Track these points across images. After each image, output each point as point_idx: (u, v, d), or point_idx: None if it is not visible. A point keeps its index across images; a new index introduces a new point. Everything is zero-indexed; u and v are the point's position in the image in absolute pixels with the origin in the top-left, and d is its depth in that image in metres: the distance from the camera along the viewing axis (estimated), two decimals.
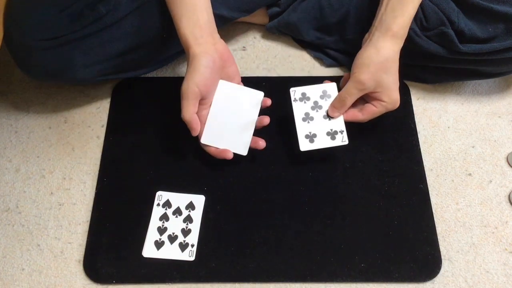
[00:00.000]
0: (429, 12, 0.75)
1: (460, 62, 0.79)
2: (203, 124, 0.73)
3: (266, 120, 0.73)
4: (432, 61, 0.81)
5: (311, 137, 0.71)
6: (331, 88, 0.73)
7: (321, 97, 0.72)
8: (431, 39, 0.76)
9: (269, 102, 0.74)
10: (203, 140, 0.72)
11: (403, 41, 0.70)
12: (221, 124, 0.72)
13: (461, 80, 0.87)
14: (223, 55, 0.70)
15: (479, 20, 0.74)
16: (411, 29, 0.76)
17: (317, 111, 0.72)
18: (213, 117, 0.72)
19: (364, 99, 0.73)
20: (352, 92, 0.70)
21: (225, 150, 0.72)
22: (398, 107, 0.72)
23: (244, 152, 0.72)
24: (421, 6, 0.76)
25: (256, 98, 0.73)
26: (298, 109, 0.72)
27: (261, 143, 0.73)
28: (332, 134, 0.71)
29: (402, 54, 0.78)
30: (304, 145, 0.71)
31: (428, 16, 0.75)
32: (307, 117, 0.72)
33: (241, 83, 0.75)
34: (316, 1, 0.85)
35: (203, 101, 0.71)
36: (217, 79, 0.72)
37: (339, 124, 0.72)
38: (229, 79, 0.73)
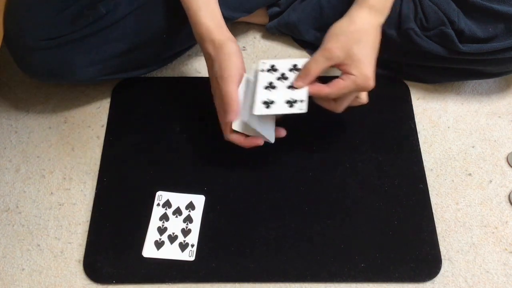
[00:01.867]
0: (429, 12, 0.75)
1: (460, 62, 0.79)
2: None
3: (283, 132, 0.71)
4: (432, 61, 0.81)
5: (268, 103, 0.65)
6: (302, 62, 0.68)
7: (290, 70, 0.68)
8: (431, 39, 0.76)
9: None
10: (234, 127, 0.68)
11: (384, 17, 0.67)
12: (248, 113, 0.68)
13: (461, 80, 0.87)
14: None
15: (479, 20, 0.74)
16: (411, 29, 0.77)
17: (282, 81, 0.67)
18: (242, 106, 0.68)
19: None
20: (319, 60, 0.64)
21: (255, 138, 0.68)
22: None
23: (272, 139, 0.70)
24: (421, 6, 0.76)
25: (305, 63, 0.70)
26: (263, 78, 0.67)
27: (282, 132, 0.71)
28: (292, 103, 0.65)
29: (402, 54, 0.78)
30: (259, 110, 0.65)
31: (428, 16, 0.75)
32: (269, 86, 0.67)
33: None
34: (316, 1, 0.85)
35: None
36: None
37: (301, 94, 0.66)
38: None
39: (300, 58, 0.69)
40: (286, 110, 0.65)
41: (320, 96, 0.67)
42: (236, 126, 0.68)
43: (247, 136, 0.69)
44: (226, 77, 0.65)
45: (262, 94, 0.66)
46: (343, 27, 0.65)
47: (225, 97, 0.65)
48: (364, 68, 0.64)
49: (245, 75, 0.69)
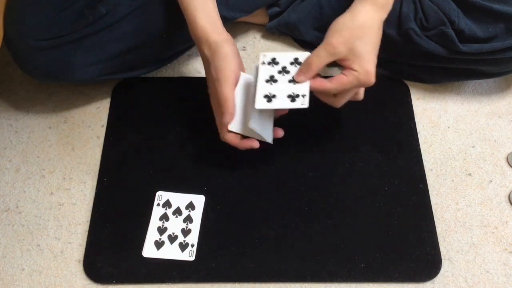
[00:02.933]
0: (429, 12, 0.75)
1: (460, 62, 0.79)
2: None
3: (281, 133, 0.71)
4: (432, 61, 0.81)
5: (270, 97, 0.65)
6: (303, 55, 0.67)
7: (291, 63, 0.67)
8: (431, 39, 0.76)
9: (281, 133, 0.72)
10: (231, 127, 0.68)
11: (386, 13, 0.66)
12: (245, 114, 0.69)
13: (461, 80, 0.87)
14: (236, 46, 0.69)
15: (479, 19, 0.74)
16: (411, 29, 0.77)
17: (283, 75, 0.66)
18: (239, 106, 0.69)
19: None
20: (321, 54, 0.64)
21: (251, 140, 0.68)
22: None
23: (271, 140, 0.71)
24: (421, 6, 0.76)
25: (306, 56, 0.68)
26: (264, 71, 0.67)
27: (280, 132, 0.71)
28: (293, 97, 0.65)
29: (402, 54, 0.78)
30: (261, 104, 0.65)
31: (428, 16, 0.75)
32: (271, 79, 0.66)
33: None
34: (316, 1, 0.85)
35: None
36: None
37: (303, 88, 0.65)
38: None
39: (302, 52, 0.69)
40: (288, 104, 0.64)
41: (321, 91, 0.67)
42: (232, 126, 0.68)
43: (243, 137, 0.69)
44: (221, 78, 0.65)
45: (263, 88, 0.66)
46: (346, 22, 0.64)
47: (221, 99, 0.65)
48: (366, 64, 0.63)
49: (243, 75, 0.69)
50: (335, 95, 0.69)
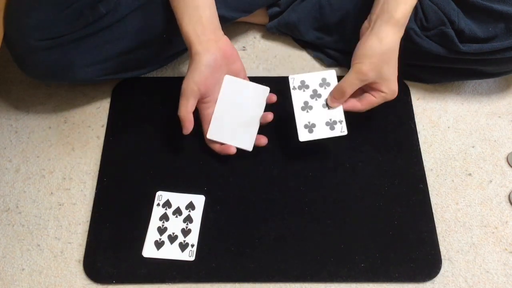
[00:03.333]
0: (429, 12, 0.75)
1: (460, 62, 0.79)
2: (207, 123, 0.73)
3: (270, 116, 0.72)
4: (432, 61, 0.81)
5: (310, 127, 0.70)
6: (330, 75, 0.71)
7: (320, 85, 0.71)
8: (431, 39, 0.76)
9: (274, 98, 0.74)
10: (209, 135, 0.72)
11: (403, 31, 0.69)
12: (227, 119, 0.72)
13: (461, 80, 0.87)
14: (226, 53, 0.70)
15: (479, 19, 0.74)
16: (411, 29, 0.76)
17: (316, 99, 0.71)
18: (219, 112, 0.72)
19: (362, 89, 0.71)
20: (353, 82, 0.69)
21: (228, 146, 0.72)
22: (396, 100, 0.71)
23: (250, 147, 0.73)
24: (421, 6, 0.76)
25: (262, 93, 0.73)
26: (297, 98, 0.70)
27: (263, 140, 0.73)
28: (331, 124, 0.70)
29: (402, 54, 0.77)
30: (304, 136, 0.69)
31: (428, 16, 0.75)
32: (306, 106, 0.70)
33: (247, 79, 0.75)
34: (316, 1, 0.85)
35: (205, 99, 0.71)
36: (219, 77, 0.72)
37: (338, 114, 0.70)
38: (234, 75, 0.73)
39: (327, 71, 0.72)
40: (328, 133, 0.70)
41: (353, 112, 0.72)
42: (209, 135, 0.72)
43: (222, 144, 0.73)
44: (183, 90, 0.68)
45: (302, 117, 0.70)
46: (374, 48, 0.67)
47: (179, 114, 0.69)
48: (392, 85, 0.70)
49: (227, 78, 0.71)
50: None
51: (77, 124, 0.83)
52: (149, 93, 0.85)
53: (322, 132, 0.70)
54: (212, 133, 0.72)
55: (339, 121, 0.70)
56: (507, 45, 0.73)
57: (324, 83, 0.71)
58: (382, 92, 0.70)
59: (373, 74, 0.68)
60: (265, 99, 0.73)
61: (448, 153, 0.80)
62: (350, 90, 0.69)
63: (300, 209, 0.73)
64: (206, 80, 0.68)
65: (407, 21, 0.69)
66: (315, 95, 0.71)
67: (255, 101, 0.73)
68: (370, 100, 0.71)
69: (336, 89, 0.70)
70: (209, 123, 0.73)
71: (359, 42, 0.70)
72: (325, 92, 0.71)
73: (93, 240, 0.71)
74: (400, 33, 0.69)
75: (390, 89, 0.69)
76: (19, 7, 0.72)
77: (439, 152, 0.80)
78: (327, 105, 0.71)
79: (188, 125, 0.69)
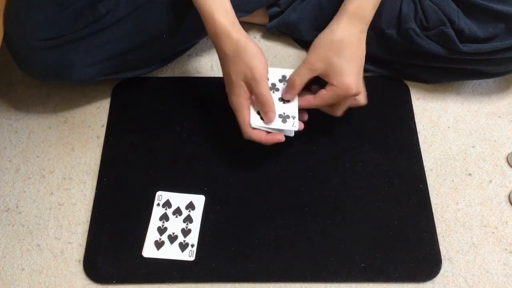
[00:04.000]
0: (429, 12, 0.75)
1: (460, 62, 0.79)
2: (248, 110, 0.69)
3: (306, 116, 0.72)
4: (432, 61, 0.81)
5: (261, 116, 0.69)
6: (290, 73, 0.71)
7: (280, 80, 0.71)
8: (431, 39, 0.76)
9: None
10: (253, 125, 0.69)
11: (366, 24, 0.68)
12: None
13: (461, 80, 0.87)
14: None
15: (479, 19, 0.74)
16: (411, 29, 0.77)
17: (273, 92, 0.70)
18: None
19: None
20: (302, 72, 0.68)
21: (276, 134, 0.69)
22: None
23: (296, 127, 0.70)
24: (421, 6, 0.76)
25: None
26: None
27: (301, 125, 0.71)
28: (284, 118, 0.69)
29: (402, 54, 0.78)
30: (255, 122, 0.68)
31: (428, 16, 0.75)
32: None
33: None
34: (316, 1, 0.85)
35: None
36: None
37: (292, 109, 0.70)
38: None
39: (289, 69, 0.72)
40: (280, 125, 0.68)
41: (307, 107, 0.71)
42: (254, 123, 0.68)
43: (268, 132, 0.70)
44: (258, 78, 0.65)
45: (255, 107, 0.68)
46: (325, 39, 0.68)
47: (262, 98, 0.66)
48: (345, 79, 0.66)
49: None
50: (331, 105, 0.72)
51: (77, 124, 0.83)
52: (149, 93, 0.85)
53: (273, 123, 0.68)
54: (255, 122, 0.69)
55: (292, 116, 0.69)
56: (507, 45, 0.73)
57: (283, 79, 0.71)
58: (333, 85, 0.67)
59: (321, 65, 0.67)
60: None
61: (448, 153, 0.80)
62: (299, 81, 0.68)
63: (300, 209, 0.73)
64: (266, 62, 0.68)
65: (368, 15, 0.68)
66: (273, 88, 0.71)
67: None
68: (322, 95, 0.68)
69: (288, 82, 0.70)
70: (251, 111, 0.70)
71: None
72: (282, 87, 0.71)
73: (93, 240, 0.71)
74: (358, 26, 0.67)
75: (341, 83, 0.66)
76: (19, 7, 0.72)
77: (439, 152, 0.80)
78: (283, 100, 0.70)
79: (273, 109, 0.67)
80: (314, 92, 0.70)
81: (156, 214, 0.73)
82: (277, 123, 0.68)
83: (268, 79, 0.69)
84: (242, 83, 0.67)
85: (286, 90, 0.70)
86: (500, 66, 0.79)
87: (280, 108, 0.69)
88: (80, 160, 0.79)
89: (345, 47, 0.67)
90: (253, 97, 0.68)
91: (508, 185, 0.77)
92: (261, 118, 0.68)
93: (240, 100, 0.67)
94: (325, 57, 0.67)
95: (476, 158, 0.80)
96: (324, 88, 0.69)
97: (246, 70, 0.66)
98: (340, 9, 0.69)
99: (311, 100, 0.70)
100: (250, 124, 0.68)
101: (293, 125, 0.69)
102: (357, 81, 0.67)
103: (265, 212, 0.73)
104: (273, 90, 0.70)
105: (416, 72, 0.86)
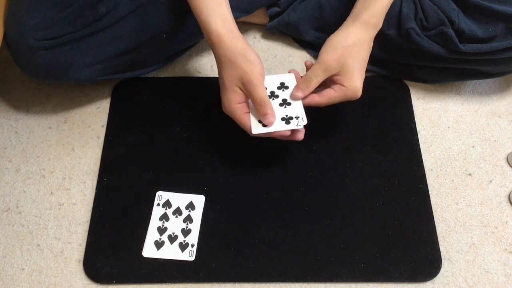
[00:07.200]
0: (429, 12, 0.75)
1: (460, 62, 0.79)
2: (242, 112, 0.69)
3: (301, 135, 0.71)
4: (432, 61, 0.81)
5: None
6: (289, 79, 0.72)
7: (278, 88, 0.71)
8: (431, 39, 0.76)
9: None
10: (254, 131, 0.69)
11: (376, 31, 0.70)
12: (276, 110, 0.70)
13: (461, 80, 0.87)
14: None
15: (479, 19, 0.74)
16: (411, 29, 0.77)
17: (273, 99, 0.70)
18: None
19: (325, 85, 0.71)
20: (317, 73, 0.69)
21: (297, 131, 0.70)
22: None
23: (302, 122, 0.69)
24: (421, 6, 0.76)
25: (292, 79, 0.72)
26: None
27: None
28: (287, 119, 0.69)
29: (402, 54, 0.78)
30: (256, 129, 0.68)
31: (428, 16, 0.76)
32: None
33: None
34: (316, 1, 0.85)
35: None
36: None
37: (296, 110, 0.69)
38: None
39: (286, 74, 0.72)
40: (283, 127, 0.68)
41: (311, 106, 0.70)
42: (255, 130, 0.68)
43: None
44: (255, 81, 0.66)
45: (255, 114, 0.68)
46: (340, 40, 0.69)
47: (259, 100, 0.66)
48: (354, 81, 0.68)
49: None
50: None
51: (77, 124, 0.83)
52: (149, 93, 0.85)
53: (276, 126, 0.68)
54: (257, 128, 0.69)
55: (295, 117, 0.69)
56: (507, 45, 0.73)
57: (282, 86, 0.71)
58: (342, 86, 0.69)
59: (336, 65, 0.68)
60: (294, 82, 0.72)
61: (448, 153, 0.80)
62: (315, 81, 0.69)
63: (300, 209, 0.73)
64: (263, 68, 0.68)
65: (379, 21, 0.70)
66: (273, 95, 0.71)
67: (290, 87, 0.72)
68: (329, 94, 0.70)
69: (302, 79, 0.70)
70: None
71: (328, 37, 0.71)
72: (282, 94, 0.71)
73: (93, 240, 0.71)
74: (370, 32, 0.70)
75: (351, 84, 0.68)
76: (19, 7, 0.72)
77: (439, 152, 0.80)
78: (285, 104, 0.70)
79: (272, 110, 0.67)
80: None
81: (156, 214, 0.73)
82: (280, 126, 0.68)
83: (266, 88, 0.69)
84: (236, 88, 0.67)
85: (300, 88, 0.70)
86: (500, 66, 0.79)
87: (282, 112, 0.69)
88: (80, 160, 0.79)
89: (357, 50, 0.69)
90: (250, 102, 0.68)
91: (508, 185, 0.77)
92: (263, 125, 0.68)
93: (231, 105, 0.68)
94: (340, 59, 0.68)
95: (476, 158, 0.80)
96: (330, 88, 0.69)
97: (243, 74, 0.66)
98: (353, 13, 0.70)
99: (316, 98, 0.70)
100: (251, 131, 0.68)
101: (297, 125, 0.68)
102: (362, 84, 0.69)
103: (265, 212, 0.73)
104: (272, 98, 0.70)
105: (416, 72, 0.86)
